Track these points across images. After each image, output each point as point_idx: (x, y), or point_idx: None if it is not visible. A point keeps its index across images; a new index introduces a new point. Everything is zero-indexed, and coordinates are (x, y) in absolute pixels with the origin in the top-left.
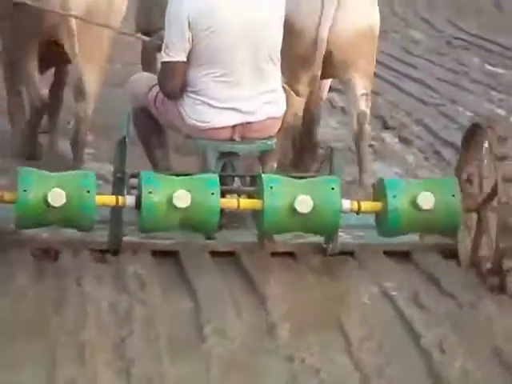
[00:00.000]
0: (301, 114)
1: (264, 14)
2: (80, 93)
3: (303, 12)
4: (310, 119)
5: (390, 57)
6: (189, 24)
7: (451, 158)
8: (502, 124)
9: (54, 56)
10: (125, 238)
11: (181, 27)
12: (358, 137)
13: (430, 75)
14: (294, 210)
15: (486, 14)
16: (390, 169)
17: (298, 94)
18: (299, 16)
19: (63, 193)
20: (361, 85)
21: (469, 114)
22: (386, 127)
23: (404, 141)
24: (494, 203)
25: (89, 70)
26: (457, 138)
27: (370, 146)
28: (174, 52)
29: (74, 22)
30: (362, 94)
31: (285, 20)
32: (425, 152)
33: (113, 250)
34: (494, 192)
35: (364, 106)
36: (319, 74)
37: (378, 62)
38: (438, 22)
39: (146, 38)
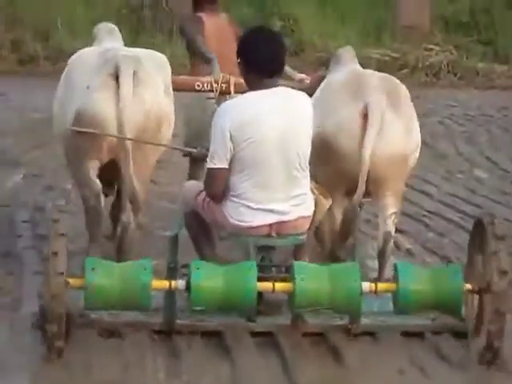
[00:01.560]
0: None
1: (296, 128)
2: (134, 202)
3: (345, 133)
4: (345, 232)
5: (455, 197)
6: (230, 135)
7: None
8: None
9: (110, 174)
10: (178, 321)
11: (223, 138)
12: (381, 253)
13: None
14: (319, 287)
15: None
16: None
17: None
18: (341, 136)
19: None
20: (391, 204)
21: None
22: None
23: None
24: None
25: (139, 184)
26: None
27: None
28: (217, 160)
29: (129, 144)
30: (391, 214)
31: (322, 136)
32: None
33: (167, 331)
34: (489, 284)
35: (391, 226)
36: (362, 192)
37: (444, 204)
38: (502, 161)
39: (194, 150)
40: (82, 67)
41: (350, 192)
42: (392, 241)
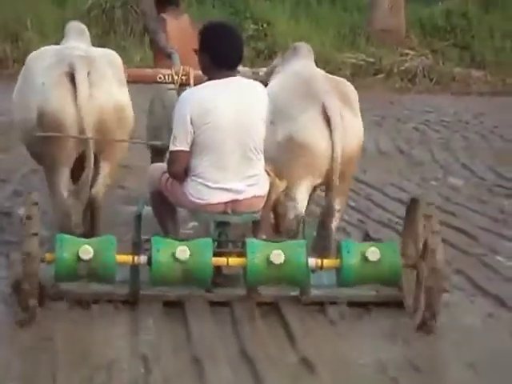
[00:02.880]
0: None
1: (251, 115)
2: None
3: (311, 135)
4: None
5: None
6: (191, 120)
7: (494, 311)
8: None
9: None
10: (141, 292)
11: (185, 122)
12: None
13: (471, 224)
14: (270, 262)
15: None
16: None
17: (294, 199)
18: (307, 137)
19: (91, 248)
20: (340, 203)
21: (510, 264)
22: None
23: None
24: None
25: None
26: (499, 290)
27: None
28: (178, 143)
29: (90, 143)
30: (338, 210)
31: (288, 139)
32: (465, 303)
33: (131, 301)
34: (425, 246)
35: (337, 221)
36: (337, 184)
37: None
38: (478, 169)
39: (159, 143)
40: (39, 64)
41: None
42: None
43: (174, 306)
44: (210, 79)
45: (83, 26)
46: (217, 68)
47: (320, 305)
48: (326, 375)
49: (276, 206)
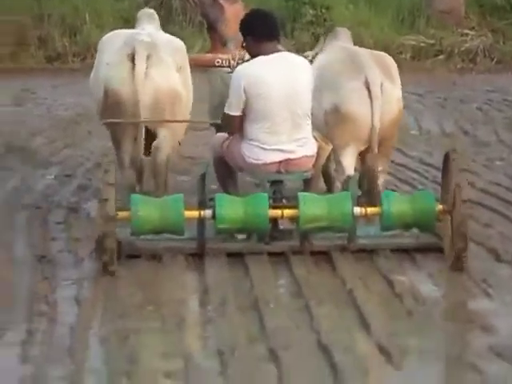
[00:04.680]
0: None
1: (299, 85)
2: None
3: (353, 103)
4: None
5: (498, 186)
6: (244, 90)
7: None
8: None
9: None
10: (208, 246)
11: (239, 91)
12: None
13: None
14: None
15: None
16: (506, 306)
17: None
18: (350, 106)
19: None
20: (384, 162)
21: None
22: (499, 260)
23: None
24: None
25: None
26: None
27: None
28: (232, 108)
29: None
30: (383, 170)
31: (334, 109)
32: None
33: (199, 253)
34: (455, 195)
35: (382, 179)
36: (376, 150)
37: (485, 192)
38: None
39: (219, 121)
40: (109, 47)
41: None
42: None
43: (236, 257)
44: (256, 55)
45: (152, 11)
46: (259, 45)
47: (367, 252)
48: (368, 307)
49: (326, 170)
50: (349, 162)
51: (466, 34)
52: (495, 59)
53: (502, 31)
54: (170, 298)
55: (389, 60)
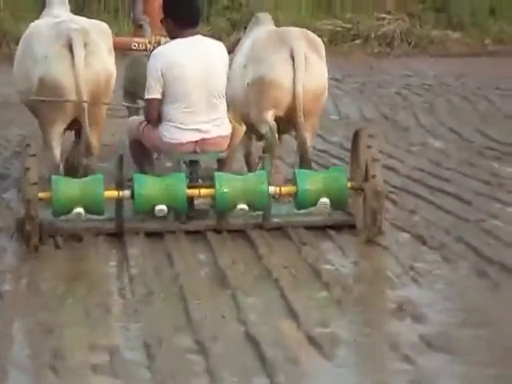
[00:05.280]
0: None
1: (214, 68)
2: (87, 147)
3: (278, 74)
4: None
5: (421, 171)
6: (162, 73)
7: (499, 279)
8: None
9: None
10: (126, 225)
11: (157, 75)
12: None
13: (465, 189)
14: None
15: None
16: (435, 293)
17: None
18: (275, 77)
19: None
20: (310, 138)
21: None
22: (426, 247)
23: (447, 261)
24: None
25: (94, 134)
26: (503, 257)
27: None
28: (151, 92)
29: (85, 106)
30: (310, 146)
31: (259, 80)
32: (471, 273)
33: (118, 233)
34: (366, 172)
35: (309, 153)
36: (302, 117)
37: (411, 179)
38: (465, 132)
39: (136, 105)
40: (38, 38)
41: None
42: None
43: (155, 236)
44: (174, 38)
45: None
46: (179, 28)
47: (281, 229)
48: (285, 280)
49: (246, 153)
50: (269, 119)
51: (383, 18)
52: (412, 43)
53: (418, 15)
54: (93, 287)
55: (315, 36)
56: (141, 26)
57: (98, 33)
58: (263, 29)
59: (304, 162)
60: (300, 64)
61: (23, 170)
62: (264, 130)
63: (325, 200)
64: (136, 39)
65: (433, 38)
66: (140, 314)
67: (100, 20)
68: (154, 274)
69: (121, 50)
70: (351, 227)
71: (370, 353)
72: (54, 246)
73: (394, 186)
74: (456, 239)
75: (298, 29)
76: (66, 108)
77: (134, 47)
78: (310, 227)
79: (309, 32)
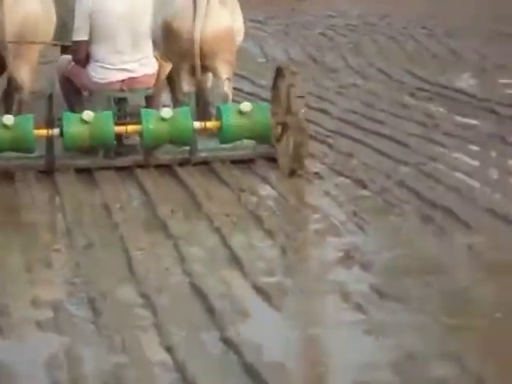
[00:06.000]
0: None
1: (139, 7)
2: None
3: (180, 19)
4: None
5: (354, 113)
6: (89, 14)
7: (444, 224)
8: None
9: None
10: (57, 162)
11: (85, 14)
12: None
13: (400, 131)
14: (162, 118)
15: (442, 60)
16: (381, 240)
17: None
18: (177, 22)
19: (12, 117)
20: (224, 71)
21: (454, 173)
22: (367, 191)
23: (391, 206)
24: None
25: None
26: (446, 200)
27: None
28: (80, 33)
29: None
30: (226, 79)
31: (165, 24)
32: (415, 218)
33: (49, 170)
34: (289, 107)
35: (226, 87)
36: (198, 63)
37: (344, 121)
38: (395, 73)
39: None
40: None
41: (193, 68)
42: (229, 99)
43: (84, 172)
44: None
45: None
46: None
47: (207, 164)
48: (211, 206)
49: (171, 83)
50: (183, 82)
51: None
52: None
53: None
54: (31, 240)
55: None
56: None
57: None
58: None
59: (205, 106)
60: (199, 11)
61: None
62: (182, 94)
63: (246, 103)
64: None
65: None
66: (82, 267)
67: None
68: (92, 223)
69: None
70: (274, 160)
71: (321, 303)
72: None
73: (329, 130)
74: (397, 183)
75: None
76: None
77: None
78: (235, 161)
79: None
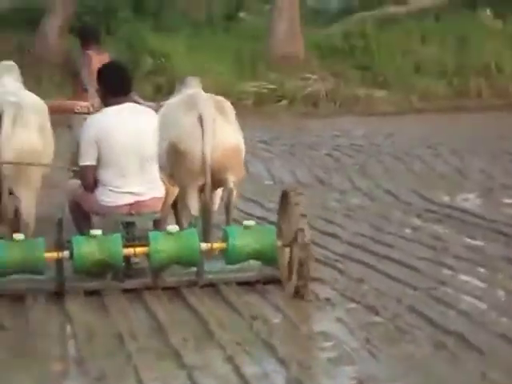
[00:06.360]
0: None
1: (145, 133)
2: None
3: (187, 139)
4: (205, 219)
5: (363, 237)
6: (96, 140)
7: (458, 351)
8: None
9: None
10: (66, 284)
11: (90, 142)
12: (228, 209)
13: (410, 254)
14: (169, 233)
15: (449, 180)
16: (395, 368)
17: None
18: (184, 143)
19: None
20: (231, 180)
21: (464, 296)
22: (379, 317)
23: (402, 333)
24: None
25: (25, 202)
26: (457, 325)
27: None
28: (86, 158)
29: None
30: (233, 187)
31: (171, 146)
32: (428, 344)
33: (59, 292)
34: (296, 233)
35: (233, 196)
36: (209, 182)
37: (352, 245)
38: (402, 194)
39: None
40: None
41: (202, 187)
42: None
43: (93, 295)
44: (107, 106)
45: (12, 64)
46: (112, 96)
47: (214, 286)
48: (223, 334)
49: (175, 208)
50: (192, 203)
51: (308, 78)
52: (338, 103)
53: (343, 74)
54: (45, 369)
55: (225, 101)
56: (86, 90)
57: (33, 109)
58: (184, 91)
59: (207, 226)
60: (207, 130)
61: None
62: (188, 217)
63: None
64: (79, 103)
65: (358, 97)
66: None
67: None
68: (104, 353)
69: (65, 113)
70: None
71: None
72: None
73: (338, 254)
74: (408, 309)
75: (207, 94)
76: None
77: (77, 110)
78: (241, 283)
79: (216, 97)
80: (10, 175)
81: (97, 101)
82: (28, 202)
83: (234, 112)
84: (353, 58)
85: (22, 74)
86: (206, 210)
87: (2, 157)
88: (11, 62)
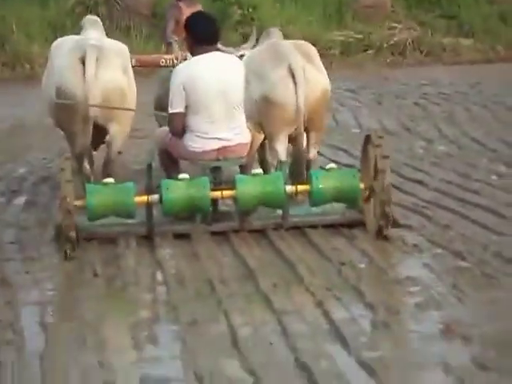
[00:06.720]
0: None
1: (231, 80)
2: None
3: (280, 91)
4: (299, 161)
5: (450, 184)
6: (183, 87)
7: None
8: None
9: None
10: (156, 229)
11: (179, 90)
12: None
13: (496, 201)
14: (254, 175)
15: None
16: (481, 313)
17: (274, 149)
18: (278, 94)
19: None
20: (314, 137)
21: None
22: (465, 262)
23: (487, 277)
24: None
25: (119, 138)
26: None
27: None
28: (175, 106)
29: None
30: (315, 143)
31: (264, 98)
32: None
33: (149, 236)
34: (376, 169)
35: (313, 154)
36: (302, 131)
37: (440, 192)
38: (489, 142)
39: (164, 114)
40: (58, 52)
41: (290, 134)
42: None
43: (183, 239)
44: (195, 55)
45: (96, 19)
46: (199, 45)
47: (299, 229)
48: (312, 279)
49: (262, 157)
50: (281, 148)
51: (394, 28)
52: (424, 52)
53: (429, 23)
54: (139, 316)
55: (308, 46)
56: (170, 44)
57: (115, 52)
58: (267, 42)
59: (298, 169)
60: (300, 80)
61: (60, 197)
62: (274, 161)
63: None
64: (164, 56)
65: (445, 46)
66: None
67: (111, 38)
68: (195, 298)
69: (151, 67)
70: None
71: (423, 377)
72: (93, 273)
73: (425, 200)
74: (494, 254)
75: (290, 42)
76: (78, 113)
77: (162, 63)
78: (326, 226)
79: (300, 42)
80: (101, 116)
81: (181, 54)
82: (120, 140)
83: (318, 54)
84: (439, 7)
85: (110, 25)
86: (298, 155)
87: (89, 97)
88: (95, 17)
